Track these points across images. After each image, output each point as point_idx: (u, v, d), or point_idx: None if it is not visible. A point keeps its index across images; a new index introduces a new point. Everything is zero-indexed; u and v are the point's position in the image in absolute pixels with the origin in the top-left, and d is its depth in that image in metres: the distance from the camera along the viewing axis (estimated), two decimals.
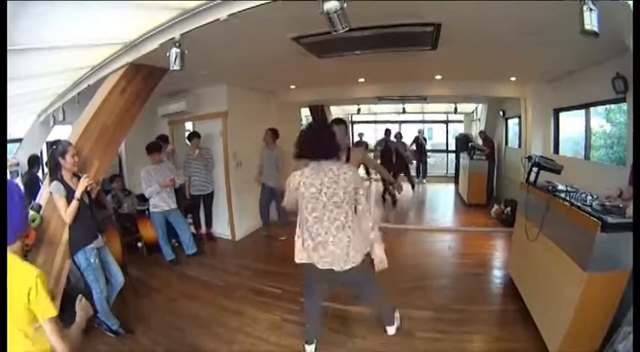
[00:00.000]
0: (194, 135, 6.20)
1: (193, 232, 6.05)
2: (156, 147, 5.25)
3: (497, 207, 7.55)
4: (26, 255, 2.96)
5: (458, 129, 13.83)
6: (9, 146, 7.00)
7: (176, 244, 5.75)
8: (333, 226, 2.68)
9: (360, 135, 12.87)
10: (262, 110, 7.43)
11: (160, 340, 3.49)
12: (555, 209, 3.15)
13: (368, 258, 2.91)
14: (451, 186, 11.61)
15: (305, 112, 11.34)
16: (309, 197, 2.67)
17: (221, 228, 6.69)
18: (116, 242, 4.53)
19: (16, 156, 7.07)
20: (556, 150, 6.36)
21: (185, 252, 5.57)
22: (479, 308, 3.91)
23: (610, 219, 2.41)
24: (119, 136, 4.06)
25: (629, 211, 2.47)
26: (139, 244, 5.82)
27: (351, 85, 7.33)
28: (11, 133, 7.12)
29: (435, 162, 14.50)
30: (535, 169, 3.83)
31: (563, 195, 3.14)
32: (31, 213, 3.25)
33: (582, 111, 5.47)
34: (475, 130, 11.26)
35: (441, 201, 10.66)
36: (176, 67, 3.04)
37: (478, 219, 7.61)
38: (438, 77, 6.47)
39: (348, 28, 2.50)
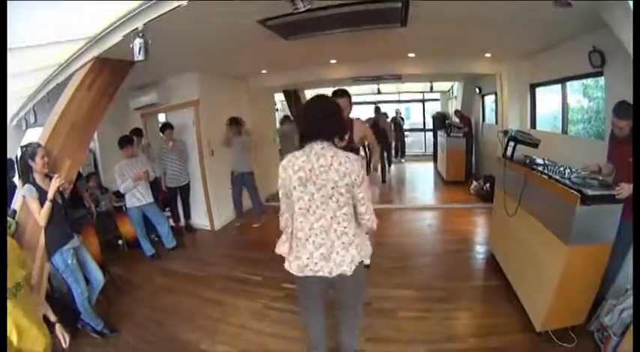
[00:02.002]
0: (167, 127, 6.06)
1: (172, 225, 5.98)
2: (128, 140, 5.10)
3: (476, 183, 7.64)
4: None
5: (435, 107, 13.85)
6: None
7: (156, 239, 5.66)
8: (318, 223, 2.13)
9: None
10: (234, 97, 7.28)
11: (144, 336, 3.45)
12: (534, 183, 3.16)
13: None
14: (430, 165, 11.68)
15: (279, 97, 11.20)
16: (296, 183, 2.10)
17: (200, 219, 6.62)
18: (94, 241, 4.43)
19: None
20: (533, 125, 6.41)
21: (165, 245, 5.51)
22: (462, 284, 3.95)
23: (590, 191, 2.40)
24: (89, 133, 3.96)
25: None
26: (120, 241, 5.68)
27: (322, 67, 7.16)
28: None
29: (413, 141, 14.55)
30: (512, 144, 3.83)
31: (541, 168, 3.15)
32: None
33: (559, 86, 5.47)
34: (452, 108, 11.26)
35: (421, 180, 10.71)
36: (140, 58, 2.96)
37: (458, 196, 7.69)
38: (412, 55, 6.36)
39: (308, 6, 2.47)
